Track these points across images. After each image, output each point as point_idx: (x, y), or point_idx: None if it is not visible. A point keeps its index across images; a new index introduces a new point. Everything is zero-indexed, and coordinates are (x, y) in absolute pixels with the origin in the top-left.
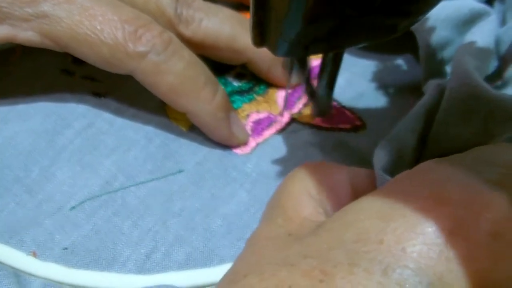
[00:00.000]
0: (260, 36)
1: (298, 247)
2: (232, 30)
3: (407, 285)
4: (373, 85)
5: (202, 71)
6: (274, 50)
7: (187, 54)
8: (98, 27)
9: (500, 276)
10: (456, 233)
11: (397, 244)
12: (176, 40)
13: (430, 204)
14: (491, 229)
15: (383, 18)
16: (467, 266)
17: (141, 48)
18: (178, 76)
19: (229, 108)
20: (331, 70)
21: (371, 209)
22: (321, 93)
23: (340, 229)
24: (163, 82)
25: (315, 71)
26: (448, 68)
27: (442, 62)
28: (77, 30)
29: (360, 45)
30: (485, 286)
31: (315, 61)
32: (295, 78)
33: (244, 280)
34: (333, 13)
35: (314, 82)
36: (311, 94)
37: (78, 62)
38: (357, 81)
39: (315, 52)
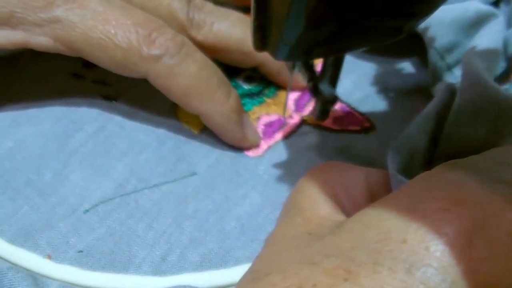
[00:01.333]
0: (261, 40)
1: (319, 246)
2: (243, 33)
3: (431, 284)
4: (380, 87)
5: (215, 73)
6: (275, 54)
7: (200, 57)
8: (112, 31)
9: None
10: (477, 233)
11: (420, 243)
12: (189, 43)
13: (450, 205)
14: (511, 229)
15: (385, 21)
16: (488, 265)
17: (155, 51)
18: (192, 78)
19: (242, 110)
20: (332, 74)
21: (391, 210)
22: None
23: (361, 229)
24: (177, 84)
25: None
26: (456, 71)
27: (450, 65)
28: (90, 34)
29: (362, 49)
30: (506, 285)
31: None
32: (297, 74)
33: (266, 279)
34: (334, 16)
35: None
36: (315, 89)
37: (88, 66)
38: (364, 83)
39: (316, 56)
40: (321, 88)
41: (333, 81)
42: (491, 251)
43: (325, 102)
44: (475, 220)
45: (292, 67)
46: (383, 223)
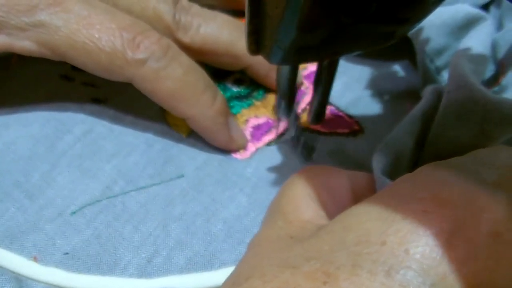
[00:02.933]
0: (256, 43)
1: (299, 249)
2: (231, 35)
3: (410, 286)
4: (370, 91)
5: (201, 76)
6: (269, 57)
7: (186, 60)
8: (96, 35)
9: (500, 276)
10: (457, 234)
11: (400, 245)
12: (174, 46)
13: (431, 206)
14: (491, 230)
15: (379, 26)
16: (469, 266)
17: (140, 55)
18: (178, 81)
19: (228, 113)
20: (326, 78)
21: (372, 211)
22: (316, 101)
23: (341, 232)
24: (163, 88)
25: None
26: (445, 74)
27: (439, 68)
28: (74, 38)
29: (356, 53)
30: (486, 286)
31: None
32: (283, 118)
33: (247, 283)
34: (327, 21)
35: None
36: (298, 135)
37: (77, 68)
38: (355, 86)
39: (310, 60)
40: (313, 101)
41: (327, 86)
42: (471, 252)
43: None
44: (455, 221)
45: (278, 108)
46: (363, 225)
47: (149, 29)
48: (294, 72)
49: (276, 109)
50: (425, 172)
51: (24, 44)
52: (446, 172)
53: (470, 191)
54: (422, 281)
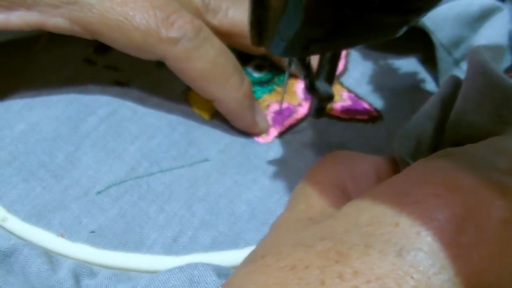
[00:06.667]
0: (258, 35)
1: (315, 230)
2: None
3: (420, 267)
4: (386, 81)
5: (230, 59)
6: (271, 49)
7: (217, 42)
8: (130, 13)
9: (509, 261)
10: (468, 219)
11: (411, 227)
12: (206, 28)
13: (444, 191)
14: (502, 216)
15: (387, 17)
16: (478, 251)
17: (173, 34)
18: (209, 62)
19: (253, 97)
20: (328, 71)
21: (386, 194)
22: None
23: (356, 213)
24: (194, 68)
25: None
26: (463, 65)
27: (458, 60)
28: (108, 16)
29: (361, 46)
30: (494, 271)
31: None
32: (295, 70)
33: (262, 260)
34: (332, 12)
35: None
36: (311, 86)
37: (100, 51)
38: (371, 76)
39: (313, 53)
40: (317, 85)
41: (330, 78)
42: (480, 237)
43: (321, 100)
44: (467, 206)
45: (289, 63)
46: (377, 207)
47: (181, 9)
48: None
49: (287, 63)
50: (438, 158)
51: (56, 21)
52: (458, 159)
53: (482, 177)
54: (432, 262)
